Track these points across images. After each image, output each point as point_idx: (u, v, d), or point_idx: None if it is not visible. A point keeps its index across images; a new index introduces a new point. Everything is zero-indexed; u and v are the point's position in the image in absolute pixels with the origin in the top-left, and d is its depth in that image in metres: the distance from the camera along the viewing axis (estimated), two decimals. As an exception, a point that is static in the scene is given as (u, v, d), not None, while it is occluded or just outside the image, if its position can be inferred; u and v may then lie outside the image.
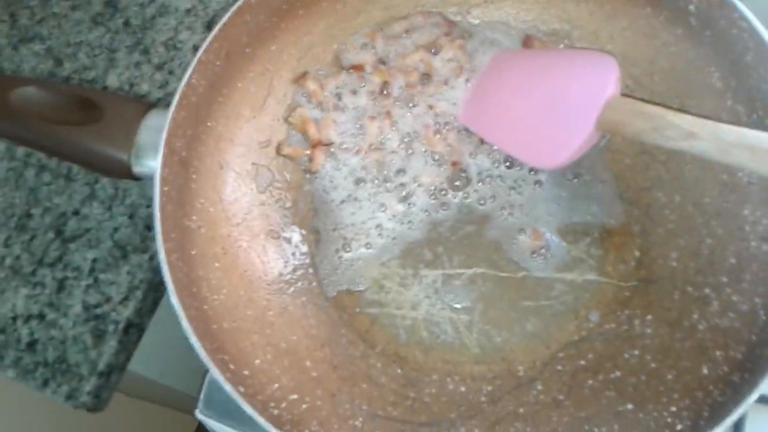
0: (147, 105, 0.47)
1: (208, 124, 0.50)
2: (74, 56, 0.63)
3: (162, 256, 0.42)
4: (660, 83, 0.52)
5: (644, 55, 0.52)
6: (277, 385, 0.45)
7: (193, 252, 0.47)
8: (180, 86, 0.46)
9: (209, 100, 0.49)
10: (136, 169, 0.46)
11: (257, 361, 0.46)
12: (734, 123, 0.46)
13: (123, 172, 0.46)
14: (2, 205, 0.58)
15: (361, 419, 0.46)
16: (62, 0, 0.65)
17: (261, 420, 0.39)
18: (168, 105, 0.49)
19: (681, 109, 0.44)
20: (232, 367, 0.43)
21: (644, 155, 0.53)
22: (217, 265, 0.48)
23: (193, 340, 0.41)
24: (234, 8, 0.48)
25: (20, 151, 0.59)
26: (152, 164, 0.46)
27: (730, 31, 0.46)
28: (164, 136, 0.44)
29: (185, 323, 0.41)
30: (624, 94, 0.48)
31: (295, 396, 0.45)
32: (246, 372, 0.44)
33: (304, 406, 0.45)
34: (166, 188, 0.44)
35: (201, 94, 0.48)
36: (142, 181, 0.55)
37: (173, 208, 0.45)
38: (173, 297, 0.41)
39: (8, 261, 0.56)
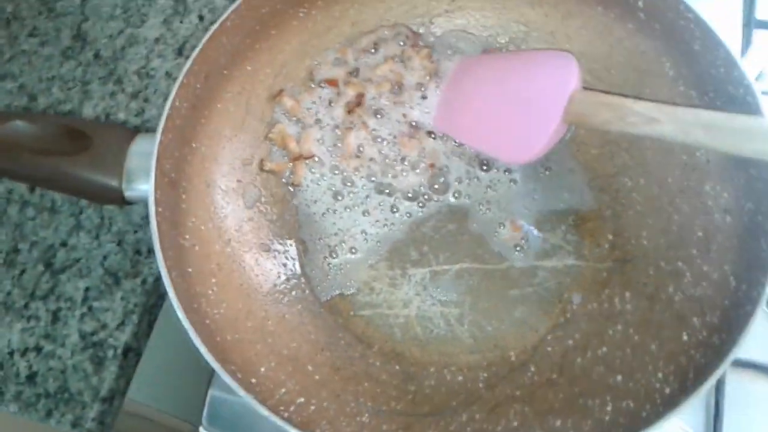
0: (132, 131, 0.49)
1: (193, 145, 0.51)
2: (48, 91, 0.63)
3: (164, 273, 0.43)
4: (617, 76, 0.56)
5: (600, 51, 0.56)
6: (284, 389, 0.46)
7: (190, 269, 0.48)
8: (165, 109, 0.47)
9: (192, 122, 0.51)
10: (128, 194, 0.47)
11: (262, 369, 0.47)
12: (688, 106, 0.50)
13: (115, 197, 0.47)
14: (-12, 242, 0.58)
15: (367, 415, 0.48)
16: (30, 37, 0.66)
17: (278, 421, 0.40)
18: (149, 130, 0.51)
19: (640, 97, 0.47)
20: (239, 376, 0.44)
21: (609, 145, 0.56)
22: (213, 280, 0.50)
23: (203, 350, 0.42)
24: (211, 31, 0.50)
25: (0, 187, 0.60)
26: (143, 188, 0.47)
27: (678, 23, 0.50)
28: (154, 158, 0.46)
29: (193, 335, 0.42)
30: (585, 87, 0.51)
31: (302, 399, 0.47)
32: (253, 380, 0.45)
33: (312, 407, 0.46)
34: (159, 209, 0.46)
35: (184, 117, 0.50)
36: (128, 207, 0.57)
37: (167, 228, 0.47)
38: (179, 310, 0.42)
39: (0, 297, 0.56)
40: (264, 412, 0.40)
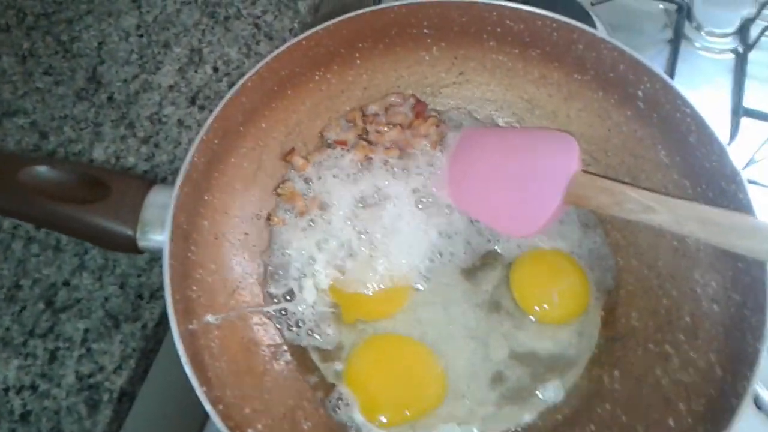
0: (149, 182, 0.50)
1: (206, 197, 0.53)
2: (59, 130, 0.64)
3: (174, 329, 0.44)
4: (613, 158, 0.58)
5: (598, 134, 0.59)
6: (279, 448, 0.47)
7: (195, 321, 0.49)
8: (184, 164, 0.49)
9: (207, 176, 0.52)
10: (142, 244, 0.49)
11: (259, 426, 0.48)
12: (680, 195, 0.53)
13: (129, 246, 0.48)
14: (-10, 276, 0.58)
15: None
16: (45, 75, 0.67)
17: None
18: (158, 176, 0.52)
19: (635, 181, 0.50)
20: (237, 432, 0.45)
21: (603, 224, 0.58)
22: (216, 333, 0.50)
23: (208, 408, 0.43)
24: (233, 91, 0.52)
25: (7, 222, 0.60)
26: (157, 238, 0.48)
27: (675, 115, 0.53)
28: (171, 212, 0.47)
29: (200, 393, 0.43)
30: (585, 171, 0.54)
31: (297, 458, 0.48)
32: (250, 437, 0.46)
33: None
34: (172, 262, 0.47)
35: (200, 171, 0.51)
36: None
37: (178, 280, 0.48)
38: (188, 369, 0.43)
39: (-2, 332, 0.56)
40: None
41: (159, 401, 0.60)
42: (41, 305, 0.57)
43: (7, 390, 0.55)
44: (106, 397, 0.54)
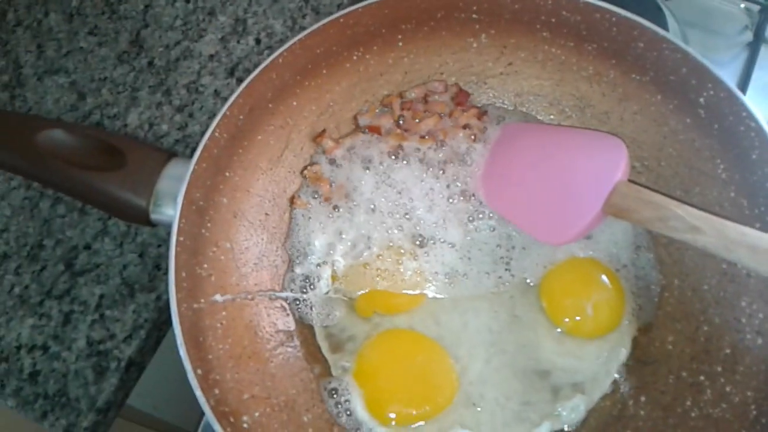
0: (169, 154, 0.49)
1: (227, 174, 0.51)
2: (97, 92, 0.64)
3: (174, 308, 0.43)
4: (666, 168, 0.54)
5: (652, 140, 0.54)
6: (274, 438, 0.46)
7: (202, 300, 0.48)
8: (203, 139, 0.47)
9: (229, 152, 0.51)
10: (154, 217, 0.47)
11: (257, 414, 0.46)
12: (736, 215, 0.48)
13: (141, 218, 0.47)
14: (15, 233, 0.58)
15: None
16: (89, 35, 0.67)
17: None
18: (187, 150, 0.50)
19: (686, 202, 0.45)
20: (232, 420, 0.44)
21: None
22: (224, 314, 0.49)
23: (198, 394, 0.41)
24: (261, 67, 0.50)
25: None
26: (169, 212, 0.47)
27: (738, 128, 0.48)
28: (184, 188, 0.46)
29: (192, 377, 0.42)
30: (631, 181, 0.49)
31: (292, 452, 0.46)
32: (245, 425, 0.45)
33: (301, 462, 0.46)
34: (181, 238, 0.46)
35: (222, 146, 0.49)
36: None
37: (187, 258, 0.46)
38: (182, 351, 0.42)
39: (17, 290, 0.57)
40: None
41: (168, 374, 0.59)
42: (61, 267, 0.57)
43: (19, 348, 0.55)
44: (113, 365, 0.54)
